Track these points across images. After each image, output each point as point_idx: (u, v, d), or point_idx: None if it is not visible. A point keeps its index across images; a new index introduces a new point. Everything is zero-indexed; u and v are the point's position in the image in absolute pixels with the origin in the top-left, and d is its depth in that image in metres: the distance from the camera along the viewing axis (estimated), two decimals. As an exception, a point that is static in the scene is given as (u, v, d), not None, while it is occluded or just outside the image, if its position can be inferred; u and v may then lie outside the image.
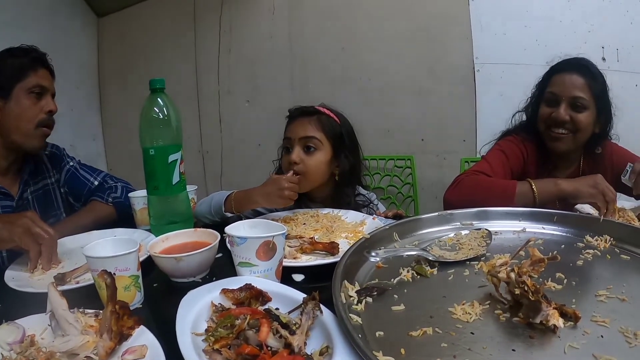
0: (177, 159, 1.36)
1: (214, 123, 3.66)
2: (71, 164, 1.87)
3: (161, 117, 1.34)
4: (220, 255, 1.20)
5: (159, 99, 1.35)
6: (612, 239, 1.14)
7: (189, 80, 3.67)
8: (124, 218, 1.71)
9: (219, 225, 1.30)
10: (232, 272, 1.05)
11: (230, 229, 1.03)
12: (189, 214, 1.46)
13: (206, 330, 0.79)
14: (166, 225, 1.37)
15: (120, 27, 3.88)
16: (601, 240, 1.13)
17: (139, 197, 1.60)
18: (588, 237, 1.16)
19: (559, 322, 0.72)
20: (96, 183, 1.85)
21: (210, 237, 1.18)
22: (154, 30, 3.76)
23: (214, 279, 1.04)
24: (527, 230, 1.25)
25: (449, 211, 1.31)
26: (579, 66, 1.67)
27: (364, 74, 3.16)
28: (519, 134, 1.81)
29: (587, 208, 1.49)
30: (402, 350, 0.71)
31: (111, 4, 3.83)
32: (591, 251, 1.08)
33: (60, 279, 1.11)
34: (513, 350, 0.71)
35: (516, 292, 0.78)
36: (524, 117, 1.86)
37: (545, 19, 2.75)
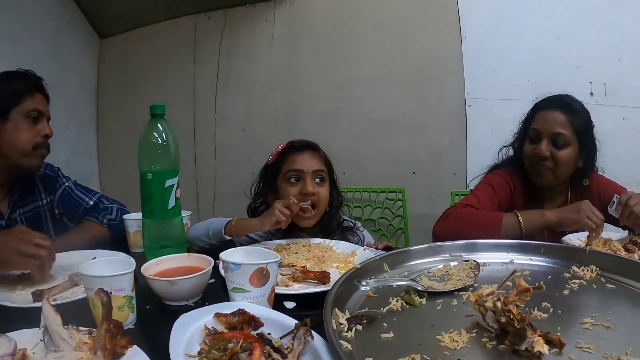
0: (173, 184, 1.39)
1: (209, 150, 3.69)
2: (66, 184, 1.89)
3: (160, 142, 1.37)
4: (212, 280, 1.20)
5: (159, 125, 1.38)
6: (598, 268, 1.17)
7: (186, 105, 3.73)
8: (117, 240, 1.72)
9: (213, 251, 1.32)
10: (224, 297, 1.06)
11: (225, 255, 1.05)
12: (182, 239, 1.47)
13: (199, 352, 0.80)
14: (160, 249, 1.38)
15: (122, 49, 3.97)
16: (587, 270, 1.16)
17: (133, 219, 1.62)
18: (574, 268, 1.18)
19: (544, 348, 0.73)
20: (91, 203, 1.87)
21: (204, 262, 1.19)
22: (154, 55, 3.84)
23: (207, 303, 1.04)
24: (515, 261, 1.27)
25: (438, 243, 1.34)
26: (561, 103, 1.73)
27: (358, 108, 3.22)
28: (506, 167, 1.86)
29: (574, 240, 1.53)
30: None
31: (114, 27, 3.93)
32: (577, 281, 1.10)
33: (38, 295, 1.12)
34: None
35: (502, 321, 0.79)
36: (511, 151, 1.91)
37: (535, 56, 2.85)
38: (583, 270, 1.16)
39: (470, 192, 1.87)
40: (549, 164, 1.70)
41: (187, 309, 0.98)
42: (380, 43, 3.16)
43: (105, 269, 1.02)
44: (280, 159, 1.78)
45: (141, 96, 3.75)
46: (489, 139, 2.69)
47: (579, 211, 1.48)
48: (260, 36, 3.49)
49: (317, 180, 1.74)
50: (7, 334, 0.84)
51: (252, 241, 1.72)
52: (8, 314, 1.06)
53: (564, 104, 1.72)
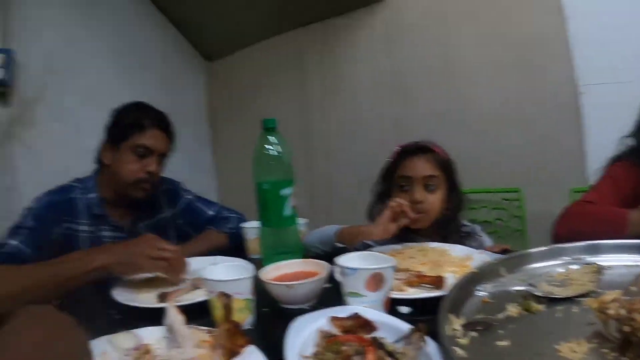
0: (288, 193, 1.43)
1: (321, 157, 3.79)
2: (188, 197, 2.01)
3: (273, 154, 1.43)
4: (328, 285, 1.23)
5: (270, 138, 1.44)
6: None
7: (296, 117, 3.84)
8: (236, 247, 1.81)
9: (329, 256, 1.36)
10: (338, 302, 1.09)
11: (341, 260, 1.09)
12: (298, 246, 1.52)
13: (314, 354, 0.84)
14: (276, 255, 1.43)
15: (229, 69, 4.18)
16: None
17: (251, 228, 1.72)
18: None
19: (672, 362, 0.70)
20: (212, 214, 1.98)
21: (319, 267, 1.24)
22: (262, 72, 4.00)
23: (322, 307, 1.08)
24: (641, 264, 1.18)
25: (558, 245, 1.26)
26: None
27: (464, 105, 3.14)
28: (629, 158, 1.70)
29: None
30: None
31: (219, 50, 4.19)
32: None
33: (162, 297, 1.25)
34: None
35: (625, 330, 0.76)
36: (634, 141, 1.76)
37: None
38: None
39: (590, 188, 1.76)
40: None
41: (303, 312, 1.01)
42: (478, 35, 3.06)
43: (226, 273, 1.10)
44: (395, 163, 1.75)
45: (252, 112, 3.90)
46: (608, 128, 2.48)
47: None
48: (361, 42, 3.53)
49: (428, 186, 1.66)
50: (133, 330, 0.95)
51: (366, 246, 1.68)
52: (134, 313, 1.20)
53: None
